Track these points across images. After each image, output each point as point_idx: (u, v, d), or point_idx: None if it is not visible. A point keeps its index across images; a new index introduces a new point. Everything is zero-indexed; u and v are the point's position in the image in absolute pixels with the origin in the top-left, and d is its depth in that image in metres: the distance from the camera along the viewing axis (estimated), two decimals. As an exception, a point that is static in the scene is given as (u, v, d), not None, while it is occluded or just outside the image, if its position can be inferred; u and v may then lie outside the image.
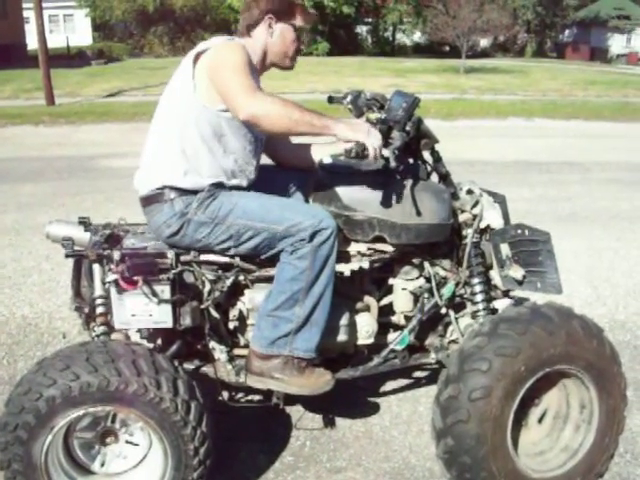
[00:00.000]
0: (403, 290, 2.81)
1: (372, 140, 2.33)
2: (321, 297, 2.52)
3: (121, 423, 2.34)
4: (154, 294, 2.45)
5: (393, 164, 2.37)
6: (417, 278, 2.81)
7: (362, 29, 45.97)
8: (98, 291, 2.58)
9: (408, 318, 2.84)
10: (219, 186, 2.55)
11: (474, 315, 2.84)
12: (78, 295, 2.72)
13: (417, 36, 47.63)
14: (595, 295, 4.72)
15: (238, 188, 2.61)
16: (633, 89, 21.42)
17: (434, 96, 16.42)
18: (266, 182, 2.75)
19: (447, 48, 39.93)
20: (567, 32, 52.06)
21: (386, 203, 2.57)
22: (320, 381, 2.60)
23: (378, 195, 2.58)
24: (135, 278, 2.41)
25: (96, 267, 2.57)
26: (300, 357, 2.56)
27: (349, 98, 2.79)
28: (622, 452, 2.90)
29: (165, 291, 2.47)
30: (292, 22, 2.66)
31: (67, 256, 2.60)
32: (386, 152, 2.37)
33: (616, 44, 46.48)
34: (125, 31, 40.47)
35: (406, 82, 20.15)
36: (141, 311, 2.49)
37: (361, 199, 2.59)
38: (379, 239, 2.62)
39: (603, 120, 14.32)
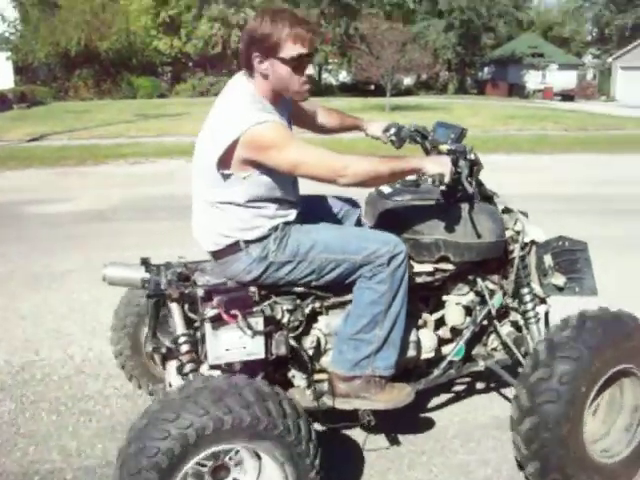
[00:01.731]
0: (457, 305, 3.02)
1: (449, 169, 2.57)
2: (397, 317, 2.68)
3: (234, 457, 2.33)
4: (249, 327, 2.52)
5: (470, 190, 2.70)
6: (468, 293, 3.05)
7: (288, 70, 46.52)
8: (181, 329, 2.62)
9: (460, 331, 3.05)
10: (287, 224, 2.63)
11: (526, 320, 3.10)
12: (154, 336, 2.77)
13: (343, 76, 48.58)
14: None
15: (297, 220, 2.68)
16: (550, 122, 22.33)
17: (360, 134, 16.63)
18: (315, 211, 2.85)
19: (372, 87, 40.84)
20: (486, 69, 53.99)
21: (450, 225, 2.82)
22: (402, 394, 2.76)
23: (442, 218, 2.83)
24: (234, 312, 2.51)
25: (174, 306, 2.62)
26: (381, 375, 2.70)
27: (392, 131, 3.14)
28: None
29: (259, 323, 2.56)
30: (279, 56, 2.46)
31: (149, 297, 2.65)
32: (460, 180, 2.67)
33: (532, 80, 48.39)
34: (49, 74, 39.86)
35: (333, 121, 20.40)
36: (236, 344, 2.56)
37: (427, 223, 2.84)
38: (443, 259, 2.86)
39: (523, 153, 14.85)
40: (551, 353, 2.58)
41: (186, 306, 2.63)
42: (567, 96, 44.92)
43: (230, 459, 2.31)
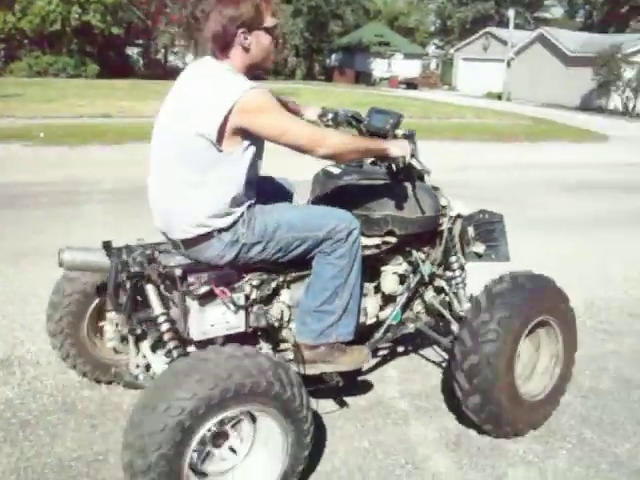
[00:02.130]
0: (393, 274, 3.30)
1: (408, 152, 2.88)
2: (354, 288, 2.93)
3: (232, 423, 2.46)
4: (233, 302, 2.73)
5: (427, 169, 3.01)
6: (402, 263, 3.34)
7: (133, 51, 44.91)
8: (159, 309, 2.68)
9: (395, 297, 3.34)
10: (250, 206, 2.76)
11: (455, 285, 3.47)
12: (129, 318, 2.76)
13: (189, 59, 47.50)
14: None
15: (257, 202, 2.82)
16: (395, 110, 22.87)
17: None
18: (263, 192, 2.93)
19: (220, 71, 40.14)
20: (334, 56, 54.68)
21: (397, 202, 3.11)
22: (362, 355, 3.06)
23: (389, 196, 3.12)
24: (222, 289, 2.69)
25: (150, 286, 2.68)
26: (343, 341, 2.96)
27: (330, 116, 3.45)
28: (403, 463, 2.95)
29: (241, 298, 2.78)
30: (264, 26, 2.64)
31: (128, 278, 2.65)
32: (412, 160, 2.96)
33: (378, 68, 49.57)
34: None
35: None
36: (220, 320, 2.75)
37: (376, 200, 3.11)
38: (389, 233, 3.13)
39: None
40: (491, 301, 3.00)
41: (161, 286, 2.70)
42: (411, 85, 46.41)
43: (232, 427, 2.46)
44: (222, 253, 2.70)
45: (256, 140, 2.64)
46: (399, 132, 3.15)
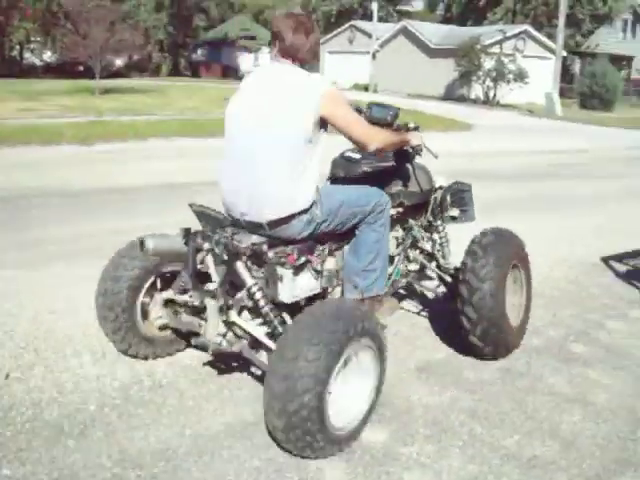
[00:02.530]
0: (393, 238, 3.93)
1: (422, 140, 3.76)
2: (387, 250, 3.63)
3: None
4: (315, 269, 3.37)
5: (433, 153, 3.86)
6: (399, 229, 4.05)
7: (-16, 48, 42.27)
8: (251, 280, 3.15)
9: (393, 258, 3.95)
10: (317, 190, 3.23)
11: (441, 244, 4.30)
12: (225, 293, 3.18)
13: (47, 56, 45.23)
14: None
15: None
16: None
17: (70, 119, 15.52)
18: None
19: (81, 68, 38.49)
20: (200, 51, 53.77)
21: (406, 179, 3.93)
22: (394, 305, 3.84)
23: (400, 175, 3.91)
24: (311, 257, 3.30)
25: (240, 263, 3.12)
26: (379, 294, 3.57)
27: None
28: (287, 499, 2.74)
29: (319, 265, 3.38)
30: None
31: (231, 256, 3.09)
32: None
33: (245, 62, 49.15)
34: None
35: (40, 105, 18.83)
36: (305, 284, 3.33)
37: (390, 179, 3.87)
38: (400, 204, 3.88)
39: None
40: (484, 250, 3.79)
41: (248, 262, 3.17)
42: (279, 78, 46.28)
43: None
44: (301, 231, 3.19)
45: (325, 130, 3.17)
46: (411, 125, 3.89)
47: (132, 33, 29.64)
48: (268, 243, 3.12)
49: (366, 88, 39.51)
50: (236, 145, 3.15)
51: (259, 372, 3.53)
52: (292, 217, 3.09)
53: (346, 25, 45.87)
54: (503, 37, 32.26)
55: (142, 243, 3.15)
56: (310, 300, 3.40)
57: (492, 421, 3.29)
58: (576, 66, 42.40)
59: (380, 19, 42.71)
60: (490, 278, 3.70)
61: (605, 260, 6.14)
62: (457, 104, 30.13)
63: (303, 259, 3.22)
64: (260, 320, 3.23)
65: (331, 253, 3.48)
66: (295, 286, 3.24)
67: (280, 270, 3.16)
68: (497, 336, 3.79)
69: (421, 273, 4.32)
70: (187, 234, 3.17)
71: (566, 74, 36.81)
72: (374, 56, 40.40)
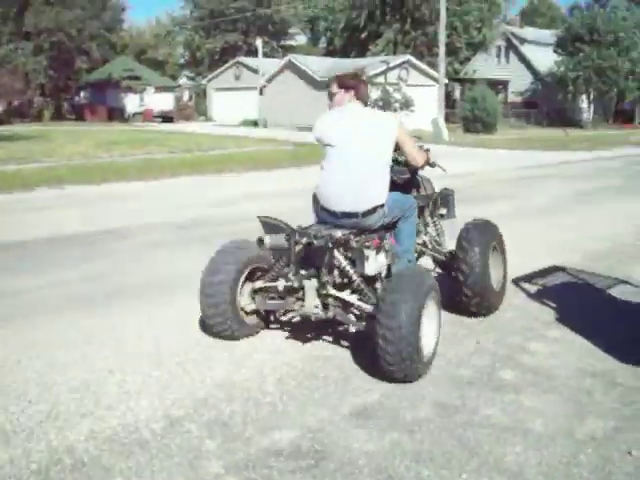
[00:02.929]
0: None
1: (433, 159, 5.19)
2: (415, 237, 5.09)
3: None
4: (386, 250, 4.55)
5: (442, 168, 5.51)
6: None
7: None
8: (345, 262, 4.38)
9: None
10: None
11: (437, 232, 5.59)
12: (297, 272, 4.47)
13: None
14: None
15: None
16: (154, 145, 22.26)
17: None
18: None
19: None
20: (83, 94, 52.49)
21: (419, 187, 5.34)
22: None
23: (416, 184, 5.30)
24: (384, 242, 4.56)
25: (335, 250, 4.32)
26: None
27: None
28: None
29: (387, 247, 4.57)
30: None
31: (329, 246, 4.28)
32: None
33: (131, 103, 48.39)
34: None
35: None
36: (381, 261, 4.49)
37: (411, 187, 5.23)
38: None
39: (133, 180, 14.39)
40: (475, 234, 5.11)
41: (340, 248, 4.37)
42: (167, 118, 45.87)
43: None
44: (377, 221, 4.58)
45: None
46: (425, 147, 5.13)
47: (11, 78, 28.62)
48: (354, 234, 4.40)
49: (255, 123, 39.66)
50: (343, 161, 4.50)
51: (194, 433, 3.31)
52: (375, 209, 4.50)
53: (232, 62, 46.08)
54: (387, 67, 33.19)
55: (261, 241, 4.50)
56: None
57: (438, 462, 3.19)
58: (456, 92, 44.12)
59: (265, 55, 43.16)
60: (482, 257, 5.05)
61: (516, 282, 6.23)
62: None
63: (382, 243, 4.47)
64: (349, 291, 4.47)
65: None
66: (377, 262, 4.42)
67: (367, 252, 4.34)
68: (487, 303, 5.20)
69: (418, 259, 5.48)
70: (289, 233, 4.41)
71: (448, 100, 38.14)
72: (262, 91, 40.65)
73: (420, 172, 5.23)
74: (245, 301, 4.65)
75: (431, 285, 4.19)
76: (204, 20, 54.66)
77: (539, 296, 5.87)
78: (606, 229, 9.04)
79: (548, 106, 44.98)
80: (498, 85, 43.74)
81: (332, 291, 4.37)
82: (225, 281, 4.51)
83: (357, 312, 4.41)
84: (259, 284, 4.68)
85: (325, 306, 4.39)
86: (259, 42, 39.55)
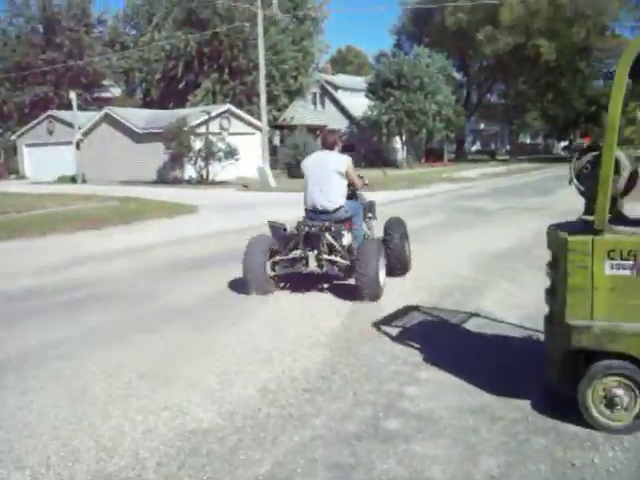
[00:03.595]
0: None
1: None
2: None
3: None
4: (350, 232, 7.89)
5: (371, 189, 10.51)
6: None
7: None
8: (333, 240, 7.63)
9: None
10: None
11: (370, 227, 8.93)
12: (304, 247, 7.74)
13: None
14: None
15: None
16: None
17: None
18: None
19: None
20: None
21: (362, 198, 8.77)
22: None
23: (360, 196, 8.73)
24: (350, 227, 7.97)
25: (327, 234, 7.55)
26: None
27: None
28: None
29: (350, 231, 7.92)
30: None
31: (324, 230, 7.63)
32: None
33: None
34: None
35: None
36: (349, 238, 7.81)
37: (359, 198, 8.66)
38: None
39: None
40: (394, 226, 8.55)
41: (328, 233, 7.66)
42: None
43: None
44: (343, 215, 7.73)
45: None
46: (363, 177, 8.57)
47: None
48: (331, 223, 7.56)
49: (74, 179, 37.91)
50: (315, 179, 7.72)
51: None
52: (340, 207, 7.71)
53: (43, 115, 44.01)
54: (208, 117, 33.13)
55: (285, 229, 7.87)
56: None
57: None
58: (276, 139, 44.92)
59: (79, 107, 41.58)
60: (400, 239, 8.36)
61: (377, 327, 6.28)
62: (172, 187, 30.04)
63: (350, 226, 7.72)
64: (334, 255, 7.56)
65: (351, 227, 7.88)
66: (347, 238, 7.58)
67: (343, 231, 7.58)
68: (404, 266, 8.55)
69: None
70: (298, 225, 7.63)
71: (269, 147, 38.72)
72: (78, 146, 39.05)
73: (358, 191, 8.51)
74: (269, 270, 7.64)
75: (381, 248, 7.73)
76: (10, 72, 51.92)
77: (402, 338, 5.94)
78: (444, 265, 9.47)
79: (365, 148, 47.14)
80: (316, 130, 45.09)
81: (325, 256, 7.58)
82: (257, 259, 7.49)
83: (338, 267, 7.57)
84: (276, 258, 7.75)
85: (320, 266, 7.58)
86: (73, 95, 37.97)
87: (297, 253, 7.64)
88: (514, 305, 7.10)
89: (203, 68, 41.43)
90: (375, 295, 7.19)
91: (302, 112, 46.97)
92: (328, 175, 7.64)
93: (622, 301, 3.93)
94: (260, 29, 30.16)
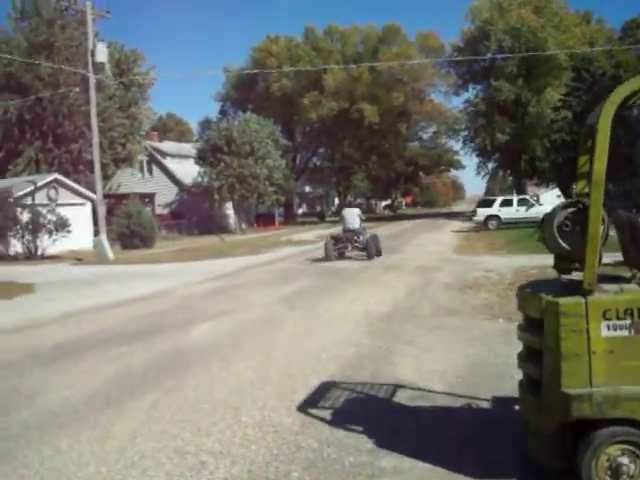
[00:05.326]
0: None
1: None
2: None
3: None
4: (363, 236, 22.59)
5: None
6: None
7: None
8: (358, 238, 22.09)
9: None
10: None
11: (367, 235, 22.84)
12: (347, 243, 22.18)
13: None
14: None
15: None
16: None
17: None
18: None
19: None
20: None
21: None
22: None
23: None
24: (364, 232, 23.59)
25: (354, 236, 21.87)
26: None
27: None
28: None
29: (364, 235, 22.79)
30: None
31: (354, 234, 22.30)
32: None
33: None
34: None
35: None
36: (364, 239, 21.94)
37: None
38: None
39: None
40: (372, 238, 21.61)
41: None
42: None
43: None
44: (360, 230, 21.99)
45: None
46: (361, 215, 23.20)
47: None
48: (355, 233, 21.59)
49: None
50: (349, 217, 21.84)
51: None
52: (359, 228, 21.68)
53: None
54: (34, 187, 31.17)
55: (339, 236, 21.91)
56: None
57: None
58: (103, 208, 43.20)
59: None
60: (375, 242, 21.29)
61: (303, 410, 5.83)
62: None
63: (364, 233, 21.83)
64: (357, 244, 21.43)
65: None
66: (364, 237, 21.41)
67: (362, 234, 21.53)
68: (378, 253, 21.11)
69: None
70: (344, 233, 21.75)
71: (96, 216, 37.01)
72: None
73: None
74: (335, 250, 21.12)
75: (378, 237, 21.90)
76: None
77: (339, 421, 5.44)
78: (339, 333, 9.18)
79: (197, 215, 46.56)
80: (145, 198, 44.03)
81: (350, 249, 21.34)
82: (330, 246, 20.98)
83: (359, 250, 21.15)
84: (338, 246, 21.32)
85: (353, 249, 21.23)
86: None
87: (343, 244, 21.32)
88: (430, 371, 6.85)
89: (25, 136, 39.15)
90: (372, 258, 20.43)
91: (130, 180, 45.80)
92: (354, 215, 21.50)
93: (622, 363, 3.72)
94: (92, 94, 28.92)
